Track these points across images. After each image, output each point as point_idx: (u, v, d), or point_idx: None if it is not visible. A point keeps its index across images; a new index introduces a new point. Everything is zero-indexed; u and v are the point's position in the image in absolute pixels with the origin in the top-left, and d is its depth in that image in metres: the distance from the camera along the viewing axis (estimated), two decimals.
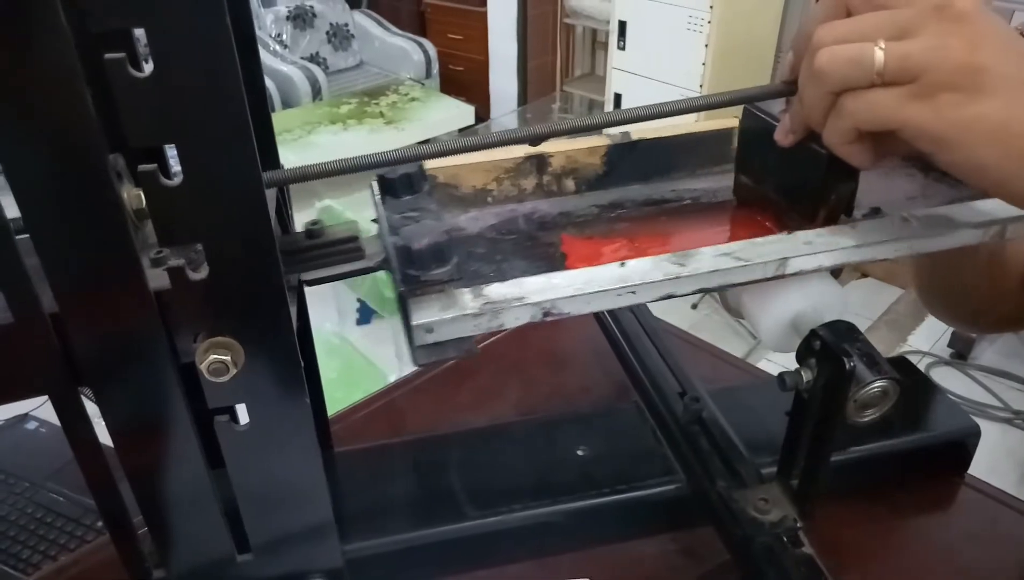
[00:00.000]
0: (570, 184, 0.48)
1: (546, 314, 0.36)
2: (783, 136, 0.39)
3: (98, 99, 0.27)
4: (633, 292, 0.36)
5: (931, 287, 0.60)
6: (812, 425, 0.39)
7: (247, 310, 0.33)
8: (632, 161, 0.47)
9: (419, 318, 0.35)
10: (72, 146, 0.27)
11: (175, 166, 0.32)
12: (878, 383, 0.36)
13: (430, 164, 0.44)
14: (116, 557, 0.38)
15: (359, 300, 2.37)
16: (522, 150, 0.46)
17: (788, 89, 0.39)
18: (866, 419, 0.38)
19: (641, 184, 0.48)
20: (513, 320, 0.36)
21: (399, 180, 0.41)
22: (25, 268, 0.29)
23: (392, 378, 1.68)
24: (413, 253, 0.35)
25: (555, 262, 0.42)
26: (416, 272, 0.35)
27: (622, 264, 0.37)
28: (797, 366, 0.40)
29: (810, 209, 0.40)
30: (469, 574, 0.47)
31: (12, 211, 0.29)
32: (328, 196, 1.98)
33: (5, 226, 0.28)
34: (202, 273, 0.32)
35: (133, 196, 0.33)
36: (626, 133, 0.47)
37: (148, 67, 0.28)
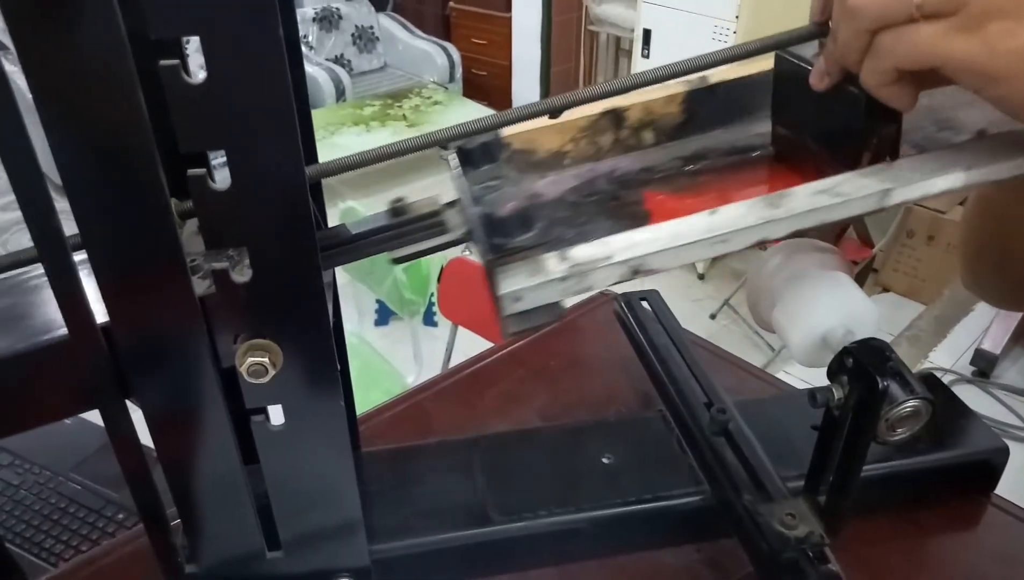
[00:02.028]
0: (649, 136, 0.45)
1: (635, 272, 0.35)
2: (818, 80, 0.37)
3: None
4: (724, 241, 0.35)
5: (981, 254, 0.55)
6: (842, 442, 0.39)
7: (288, 312, 0.33)
8: (712, 106, 0.45)
9: (507, 287, 0.34)
10: (128, 154, 0.28)
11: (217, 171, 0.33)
12: (911, 403, 0.36)
13: (504, 132, 0.43)
14: (146, 550, 0.39)
15: (378, 301, 2.39)
16: (598, 106, 0.44)
17: (819, 31, 0.37)
18: (897, 438, 0.38)
19: (722, 130, 0.45)
20: (601, 281, 0.35)
21: (477, 150, 0.41)
22: (81, 283, 0.30)
23: (410, 379, 1.69)
24: (495, 221, 0.35)
25: (640, 221, 0.40)
26: (501, 240, 0.35)
27: (712, 212, 0.36)
28: (828, 382, 0.40)
29: (852, 156, 0.38)
30: (493, 578, 0.47)
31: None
32: (351, 198, 2.00)
33: (63, 243, 0.29)
34: (244, 276, 0.32)
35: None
36: (704, 78, 0.45)
37: (196, 74, 0.28)
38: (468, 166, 0.41)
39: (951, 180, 0.36)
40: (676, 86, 0.45)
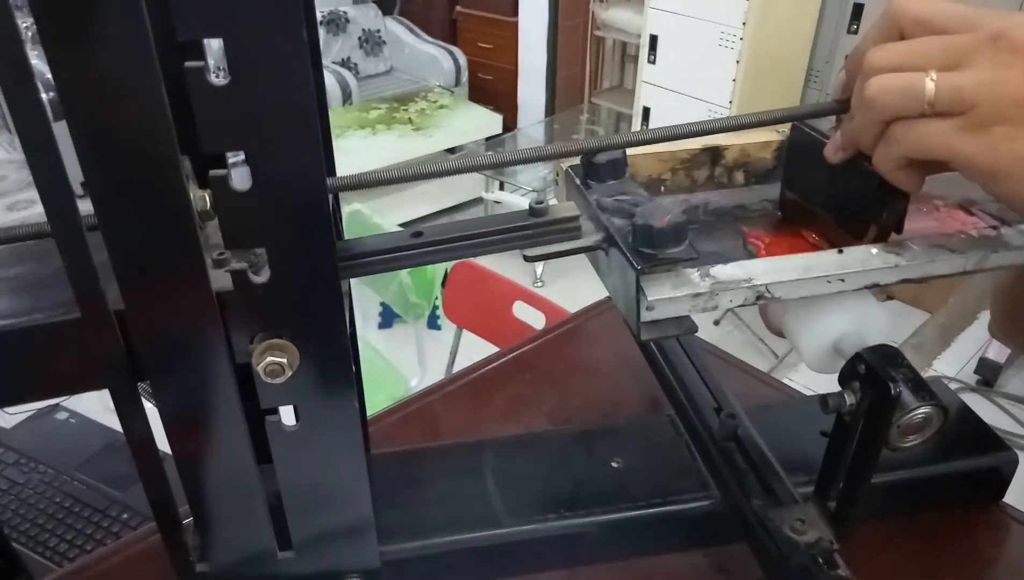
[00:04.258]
0: (740, 177, 0.48)
1: (759, 297, 0.37)
2: (833, 153, 0.39)
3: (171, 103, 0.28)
4: (842, 280, 0.38)
5: (1011, 313, 0.58)
6: (853, 448, 0.39)
7: (305, 313, 0.34)
8: None
9: (653, 294, 0.36)
10: (149, 149, 0.28)
11: (237, 169, 0.33)
12: (923, 409, 0.36)
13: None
14: (154, 550, 0.39)
15: (381, 304, 2.39)
16: (699, 142, 0.47)
17: (840, 108, 0.39)
18: (908, 445, 0.38)
19: None
20: (727, 302, 0.37)
21: (606, 166, 0.42)
22: (94, 265, 0.30)
23: (413, 383, 1.69)
24: (655, 231, 0.36)
25: (747, 251, 0.43)
26: (653, 250, 0.36)
27: (840, 251, 0.38)
28: (839, 388, 0.40)
29: (860, 227, 0.40)
30: None
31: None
32: (356, 201, 2.00)
33: (78, 225, 0.29)
34: (263, 276, 0.33)
35: (198, 198, 0.34)
36: None
37: (214, 73, 0.29)
38: (592, 180, 0.43)
39: None
40: (771, 134, 0.48)
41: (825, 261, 0.38)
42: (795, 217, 0.45)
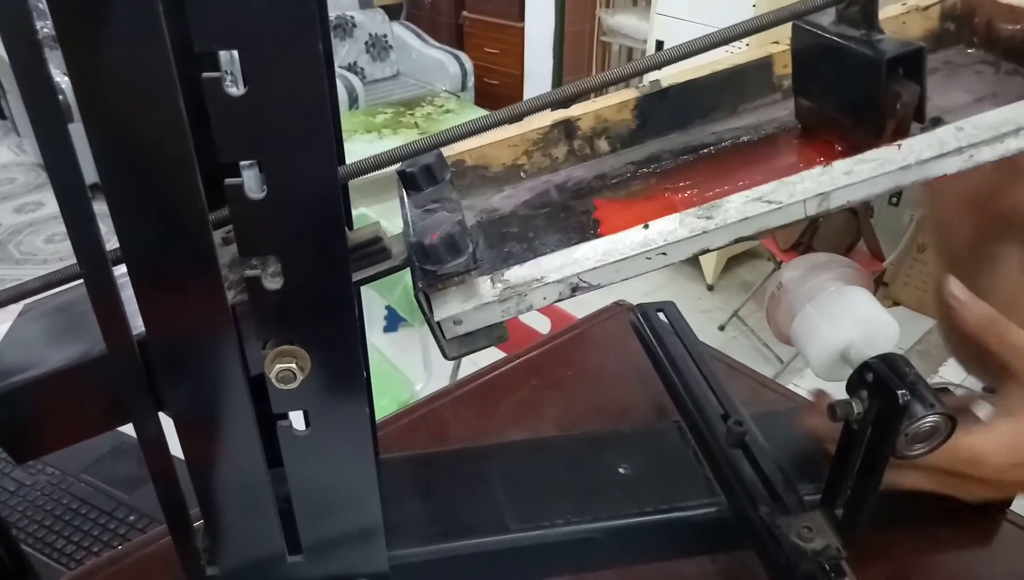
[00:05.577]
0: (603, 145, 0.45)
1: (575, 289, 0.35)
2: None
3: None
4: (664, 253, 0.35)
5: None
6: (860, 456, 0.40)
7: (317, 319, 0.34)
8: (665, 110, 0.45)
9: (442, 313, 0.34)
10: (168, 162, 0.29)
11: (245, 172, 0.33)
12: (931, 418, 0.36)
13: (458, 147, 0.43)
14: (163, 552, 0.39)
15: (387, 307, 2.39)
16: (549, 118, 0.44)
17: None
18: (915, 453, 0.38)
19: (678, 132, 0.45)
20: (541, 300, 0.35)
21: (419, 172, 0.40)
22: (120, 297, 0.31)
23: (419, 387, 1.69)
24: (426, 248, 0.34)
25: (589, 231, 0.40)
26: (433, 267, 0.34)
27: (645, 226, 0.35)
28: (847, 396, 0.40)
29: (876, 122, 0.37)
30: None
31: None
32: (363, 204, 2.01)
33: (104, 257, 0.30)
34: (276, 283, 0.33)
35: None
36: (655, 82, 0.45)
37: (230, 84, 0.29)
38: (411, 189, 0.40)
39: (891, 179, 0.35)
40: (627, 92, 0.45)
41: (629, 241, 0.35)
42: (813, 124, 0.42)
